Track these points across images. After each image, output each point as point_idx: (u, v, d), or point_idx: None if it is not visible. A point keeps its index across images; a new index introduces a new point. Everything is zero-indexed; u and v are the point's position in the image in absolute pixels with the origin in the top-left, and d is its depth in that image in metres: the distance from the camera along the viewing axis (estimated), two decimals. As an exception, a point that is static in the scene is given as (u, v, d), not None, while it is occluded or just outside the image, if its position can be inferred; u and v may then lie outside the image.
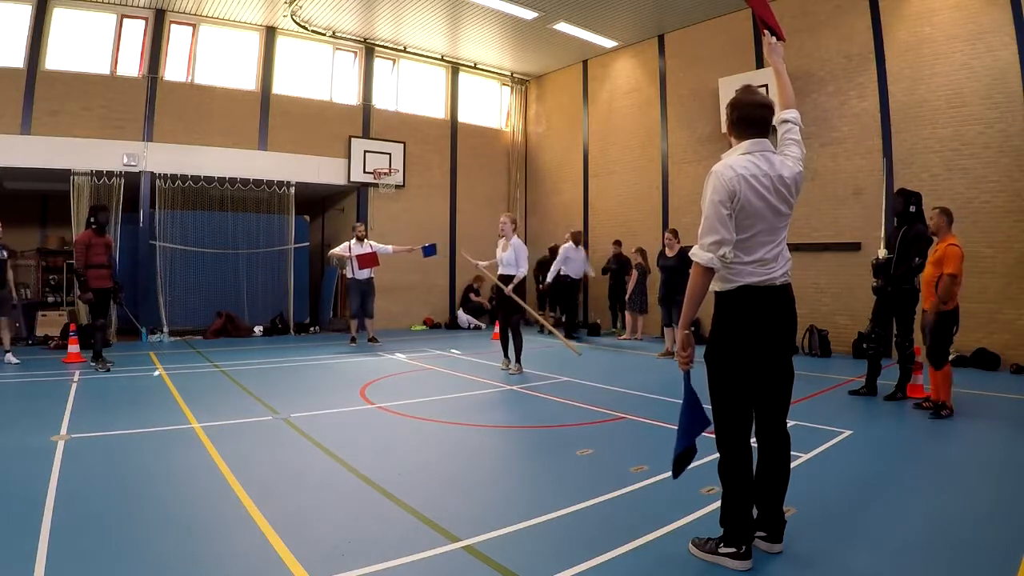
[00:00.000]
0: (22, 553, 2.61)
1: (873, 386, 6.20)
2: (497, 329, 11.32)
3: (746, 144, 2.60)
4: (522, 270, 7.53)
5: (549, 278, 11.19)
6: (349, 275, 10.29)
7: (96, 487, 3.50)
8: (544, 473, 4.00)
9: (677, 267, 8.88)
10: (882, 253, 6.20)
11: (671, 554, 2.74)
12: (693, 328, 2.63)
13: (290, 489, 3.56)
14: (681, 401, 2.68)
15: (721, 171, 2.52)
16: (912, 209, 5.97)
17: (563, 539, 2.91)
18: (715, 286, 2.63)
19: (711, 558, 2.62)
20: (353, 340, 10.41)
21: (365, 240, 10.46)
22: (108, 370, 7.40)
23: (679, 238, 9.22)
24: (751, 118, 2.62)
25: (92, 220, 7.76)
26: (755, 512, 2.64)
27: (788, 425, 2.69)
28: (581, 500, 3.33)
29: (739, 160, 2.55)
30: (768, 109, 2.65)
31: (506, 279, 7.60)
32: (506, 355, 7.84)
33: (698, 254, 2.52)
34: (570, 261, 11.24)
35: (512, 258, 7.55)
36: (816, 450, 4.28)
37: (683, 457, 2.70)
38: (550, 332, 8.91)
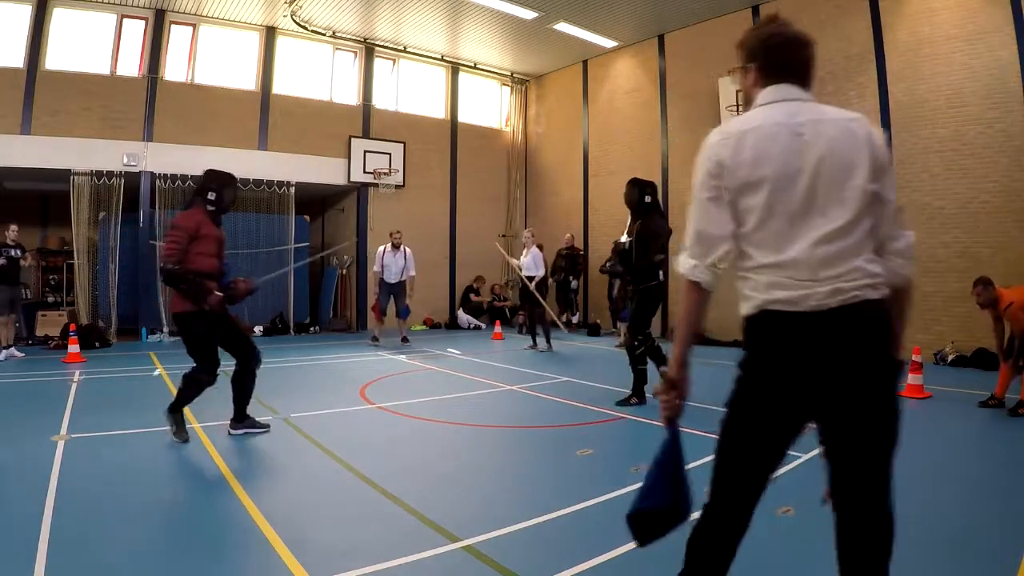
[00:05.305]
0: (22, 553, 2.61)
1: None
2: (498, 329, 11.59)
3: (766, 92, 1.77)
4: (540, 272, 9.81)
5: None
6: (380, 277, 10.32)
7: (96, 487, 3.50)
8: (544, 473, 4.01)
9: None
10: (624, 239, 5.89)
11: (671, 554, 2.73)
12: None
13: (290, 489, 3.57)
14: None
15: (707, 139, 1.80)
16: (647, 199, 5.70)
17: (563, 539, 2.91)
18: (742, 307, 1.75)
19: None
20: (375, 339, 10.36)
21: (402, 247, 10.36)
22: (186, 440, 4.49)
23: None
24: (776, 59, 1.76)
25: (213, 195, 4.51)
26: None
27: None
28: (581, 500, 3.33)
29: (743, 117, 1.76)
30: (806, 47, 1.78)
31: (529, 279, 9.59)
32: (533, 341, 9.81)
33: (679, 261, 1.80)
34: None
35: (531, 263, 9.77)
36: (814, 451, 4.26)
37: (645, 518, 1.95)
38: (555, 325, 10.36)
